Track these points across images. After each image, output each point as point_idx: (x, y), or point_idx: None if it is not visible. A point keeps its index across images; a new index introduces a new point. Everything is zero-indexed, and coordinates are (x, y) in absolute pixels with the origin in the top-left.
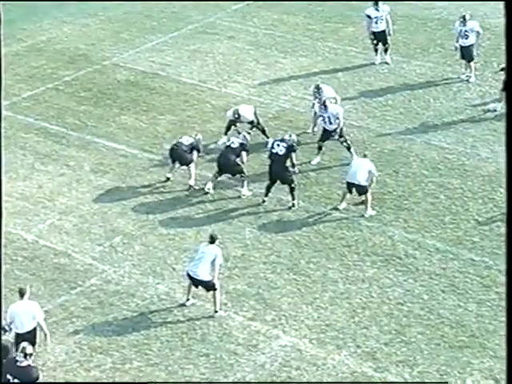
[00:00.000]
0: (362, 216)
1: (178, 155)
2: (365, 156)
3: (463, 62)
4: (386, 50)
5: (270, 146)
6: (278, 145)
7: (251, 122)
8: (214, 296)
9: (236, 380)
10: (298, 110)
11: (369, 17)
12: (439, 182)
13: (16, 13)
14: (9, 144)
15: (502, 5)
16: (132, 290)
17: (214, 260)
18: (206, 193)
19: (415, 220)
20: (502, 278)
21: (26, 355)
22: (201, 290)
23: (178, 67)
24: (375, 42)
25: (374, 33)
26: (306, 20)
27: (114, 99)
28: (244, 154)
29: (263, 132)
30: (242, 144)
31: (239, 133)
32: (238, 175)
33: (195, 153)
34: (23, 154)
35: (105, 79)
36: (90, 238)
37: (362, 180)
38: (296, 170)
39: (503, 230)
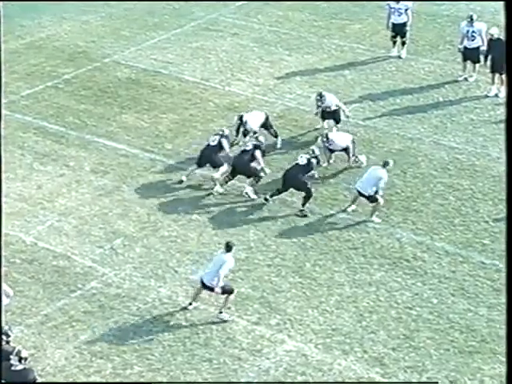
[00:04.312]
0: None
1: (207, 158)
2: (384, 165)
3: (466, 63)
4: (402, 44)
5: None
6: (301, 156)
7: (255, 132)
8: (226, 298)
9: None
10: (304, 108)
11: (389, 7)
12: (448, 182)
13: (14, 9)
14: (7, 144)
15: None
16: (133, 293)
17: (220, 268)
18: (210, 193)
19: (424, 222)
20: None
21: (20, 359)
22: (203, 294)
23: (181, 65)
24: (393, 33)
25: (393, 24)
26: (311, 17)
27: (115, 98)
28: (258, 154)
29: (275, 136)
30: (255, 146)
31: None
32: (252, 177)
33: (226, 148)
34: (21, 154)
35: (105, 77)
36: (90, 240)
37: (367, 190)
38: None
39: None
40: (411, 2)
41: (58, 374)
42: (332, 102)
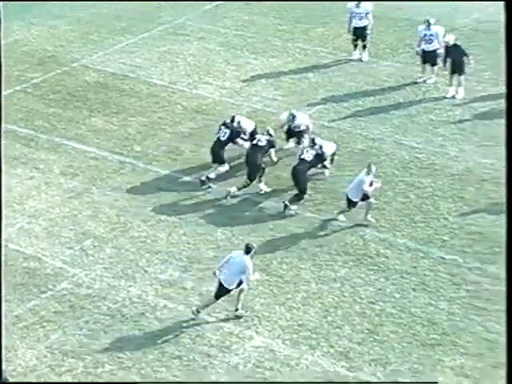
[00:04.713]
0: (334, 216)
1: (213, 152)
2: (369, 165)
3: (425, 65)
4: (364, 47)
5: (299, 152)
6: (307, 151)
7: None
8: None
9: (209, 381)
10: (270, 110)
11: (350, 11)
12: (410, 181)
13: None
14: None
15: (469, 6)
16: (103, 293)
17: (243, 271)
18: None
19: (386, 219)
20: (472, 276)
21: None
22: (173, 292)
23: (148, 69)
24: (355, 37)
25: (354, 28)
26: (276, 21)
27: (84, 101)
28: (272, 150)
29: None
30: (269, 141)
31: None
32: (258, 175)
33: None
34: None
35: (74, 81)
36: (60, 241)
37: (354, 196)
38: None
39: (473, 228)
40: (371, 7)
41: (29, 374)
42: (302, 122)
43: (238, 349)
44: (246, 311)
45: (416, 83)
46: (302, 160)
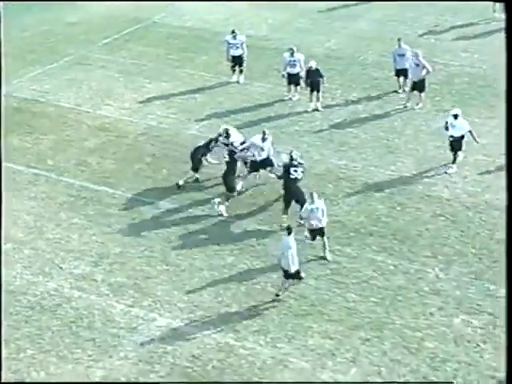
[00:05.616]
0: (220, 214)
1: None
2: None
3: (290, 86)
4: (240, 71)
5: (285, 171)
6: (296, 171)
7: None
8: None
9: (119, 358)
10: (163, 126)
11: (227, 42)
12: (282, 181)
13: None
14: None
15: (324, 36)
16: (24, 288)
17: (291, 249)
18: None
19: (264, 214)
20: (334, 257)
21: None
22: (85, 284)
23: (57, 94)
24: (233, 63)
25: (232, 56)
26: (166, 51)
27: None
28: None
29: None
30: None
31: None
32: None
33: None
34: None
35: None
36: None
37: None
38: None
39: (334, 217)
40: (245, 38)
41: None
42: (236, 138)
43: (144, 329)
44: (108, 301)
45: (283, 100)
46: (293, 179)
